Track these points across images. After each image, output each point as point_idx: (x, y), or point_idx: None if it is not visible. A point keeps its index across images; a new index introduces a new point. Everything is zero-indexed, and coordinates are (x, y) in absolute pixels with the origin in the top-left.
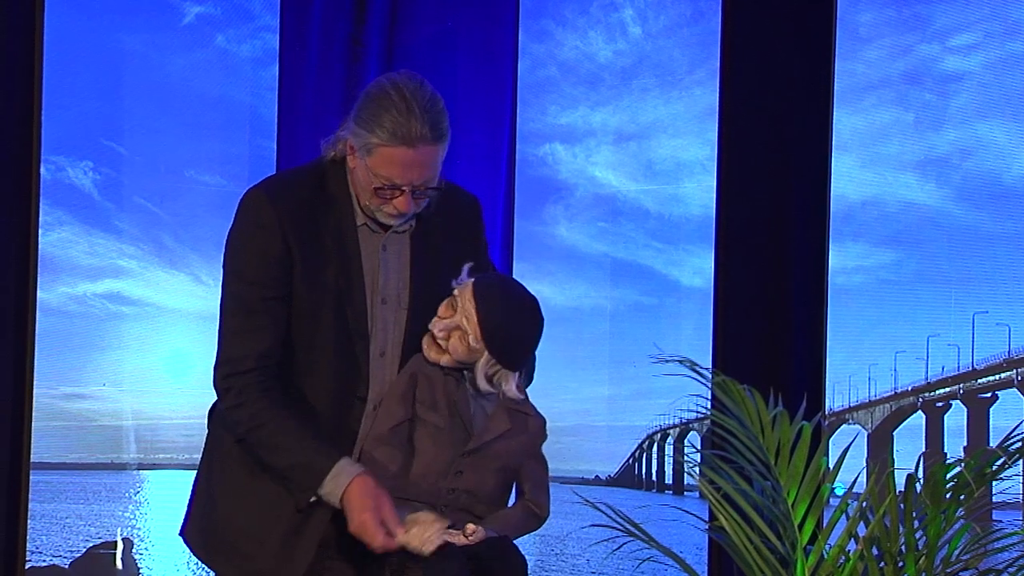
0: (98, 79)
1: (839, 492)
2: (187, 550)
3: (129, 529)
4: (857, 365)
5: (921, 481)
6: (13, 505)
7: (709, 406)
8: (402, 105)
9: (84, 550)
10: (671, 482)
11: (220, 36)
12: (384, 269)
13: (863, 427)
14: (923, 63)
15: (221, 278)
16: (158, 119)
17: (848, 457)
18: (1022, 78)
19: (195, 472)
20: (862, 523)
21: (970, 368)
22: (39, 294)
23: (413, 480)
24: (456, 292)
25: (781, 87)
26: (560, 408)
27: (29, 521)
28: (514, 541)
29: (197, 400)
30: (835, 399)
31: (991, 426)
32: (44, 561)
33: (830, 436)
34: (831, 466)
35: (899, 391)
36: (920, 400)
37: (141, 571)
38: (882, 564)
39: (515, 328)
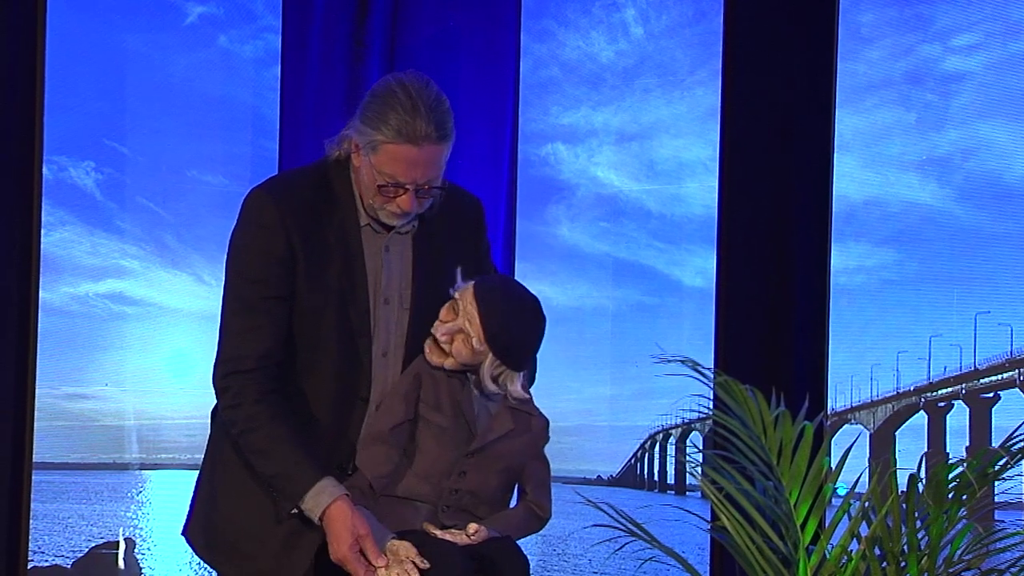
0: (100, 79)
1: (841, 492)
2: (189, 550)
3: (131, 529)
4: (859, 365)
5: (923, 481)
6: (15, 505)
7: (711, 406)
8: (408, 104)
9: (86, 550)
10: (673, 482)
11: (222, 36)
12: (387, 270)
13: (865, 427)
14: (925, 63)
15: (224, 278)
16: (160, 119)
17: (850, 457)
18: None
19: (197, 472)
20: (864, 523)
21: (972, 368)
22: (41, 294)
23: (416, 480)
24: (456, 296)
25: (783, 87)
26: (562, 408)
27: (31, 521)
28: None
29: (199, 400)
30: (837, 399)
31: (993, 426)
32: (46, 561)
33: (832, 436)
34: (833, 466)
35: (901, 391)
36: (922, 400)
37: (143, 571)
38: (884, 564)
39: (518, 329)
